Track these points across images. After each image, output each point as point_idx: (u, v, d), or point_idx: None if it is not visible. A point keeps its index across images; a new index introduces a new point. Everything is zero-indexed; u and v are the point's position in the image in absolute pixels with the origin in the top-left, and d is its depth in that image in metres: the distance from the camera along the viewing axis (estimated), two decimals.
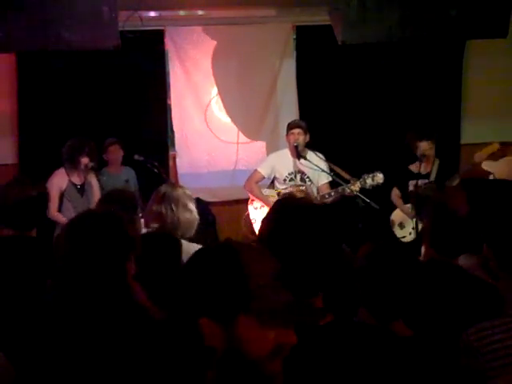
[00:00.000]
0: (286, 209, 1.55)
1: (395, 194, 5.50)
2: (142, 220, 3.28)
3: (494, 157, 5.37)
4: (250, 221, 5.32)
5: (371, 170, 4.95)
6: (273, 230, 1.50)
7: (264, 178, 5.31)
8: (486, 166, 5.24)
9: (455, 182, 5.11)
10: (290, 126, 5.27)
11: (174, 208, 3.01)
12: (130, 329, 1.65)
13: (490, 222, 2.14)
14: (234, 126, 6.50)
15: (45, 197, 2.96)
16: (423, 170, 5.36)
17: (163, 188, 3.16)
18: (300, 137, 5.14)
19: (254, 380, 1.12)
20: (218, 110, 6.49)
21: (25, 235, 2.81)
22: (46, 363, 1.64)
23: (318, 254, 1.46)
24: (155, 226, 3.03)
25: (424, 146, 5.28)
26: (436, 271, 2.24)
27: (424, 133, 5.38)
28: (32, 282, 2.50)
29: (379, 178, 4.85)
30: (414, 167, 5.42)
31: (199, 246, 3.09)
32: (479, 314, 2.09)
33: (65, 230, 1.90)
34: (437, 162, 5.39)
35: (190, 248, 3.00)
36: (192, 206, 3.12)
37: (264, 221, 1.56)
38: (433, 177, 5.35)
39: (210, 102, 6.42)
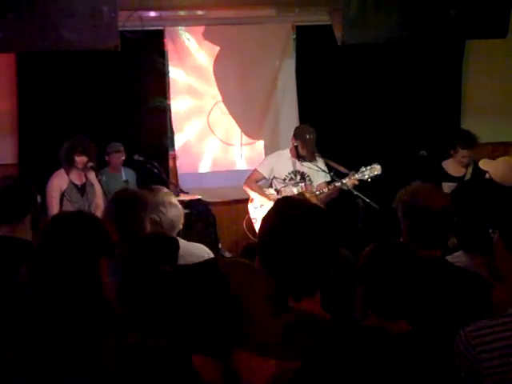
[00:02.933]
0: (287, 208, 1.55)
1: None
2: None
3: (495, 156, 5.37)
4: (250, 220, 5.32)
5: (369, 163, 4.94)
6: (273, 230, 1.51)
7: (263, 177, 5.30)
8: (483, 164, 5.23)
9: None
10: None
11: (164, 210, 3.00)
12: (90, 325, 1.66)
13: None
14: (234, 127, 6.51)
15: (22, 186, 2.94)
16: (458, 173, 5.31)
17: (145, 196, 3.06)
18: None
19: None
20: (218, 111, 6.49)
21: (9, 236, 2.79)
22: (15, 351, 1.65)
23: (318, 254, 1.46)
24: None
25: (465, 153, 5.22)
26: (429, 268, 2.25)
27: (470, 141, 5.29)
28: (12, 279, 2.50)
29: (377, 169, 4.84)
30: (448, 167, 5.36)
31: (199, 245, 3.13)
32: (469, 308, 2.12)
33: (43, 225, 1.93)
34: (472, 165, 5.36)
35: (189, 248, 3.01)
36: (175, 200, 3.12)
37: (264, 220, 1.57)
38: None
39: (214, 105, 6.42)
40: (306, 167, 5.17)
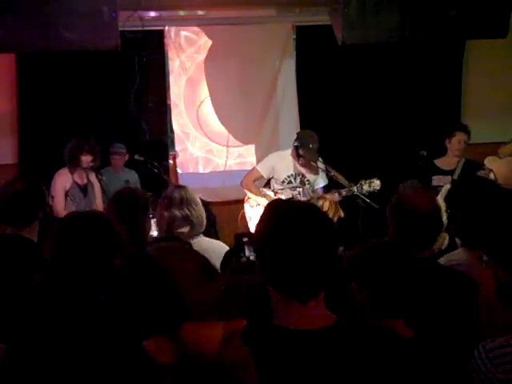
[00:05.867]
0: (279, 210, 1.55)
1: None
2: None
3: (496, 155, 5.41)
4: (245, 218, 5.32)
5: (371, 175, 4.94)
6: (267, 232, 1.50)
7: (262, 177, 5.29)
8: (487, 162, 5.24)
9: (485, 174, 5.10)
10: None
11: (195, 207, 3.18)
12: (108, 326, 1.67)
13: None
14: (234, 127, 6.50)
15: (35, 191, 2.91)
16: (448, 166, 5.35)
17: (175, 192, 3.23)
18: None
19: (217, 377, 1.14)
20: (218, 110, 6.49)
21: (17, 235, 2.79)
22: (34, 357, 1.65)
23: (315, 254, 1.45)
24: (183, 230, 3.07)
25: (458, 136, 5.32)
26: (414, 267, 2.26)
27: (462, 126, 5.47)
28: (21, 279, 2.48)
29: (376, 184, 4.86)
30: (439, 162, 5.42)
31: (220, 243, 3.20)
32: (455, 308, 2.13)
33: (53, 227, 1.92)
34: (463, 160, 5.41)
35: (211, 245, 3.16)
36: (199, 201, 3.30)
37: (258, 224, 1.56)
38: (457, 174, 5.32)
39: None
40: (305, 169, 5.17)
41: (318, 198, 5.02)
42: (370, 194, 4.82)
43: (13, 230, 2.81)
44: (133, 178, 5.76)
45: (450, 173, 5.34)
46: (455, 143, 5.37)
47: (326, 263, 1.47)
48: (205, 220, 3.22)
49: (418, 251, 2.33)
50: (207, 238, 3.22)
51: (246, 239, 5.51)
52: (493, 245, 2.02)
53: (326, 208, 4.86)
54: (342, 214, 4.78)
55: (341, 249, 3.02)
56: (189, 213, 3.12)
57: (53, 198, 4.82)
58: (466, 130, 5.41)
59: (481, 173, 5.11)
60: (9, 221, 2.82)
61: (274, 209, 1.56)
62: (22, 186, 2.88)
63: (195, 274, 1.19)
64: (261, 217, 1.56)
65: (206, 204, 6.08)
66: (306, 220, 1.48)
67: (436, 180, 5.29)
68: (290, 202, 1.69)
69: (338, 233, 1.53)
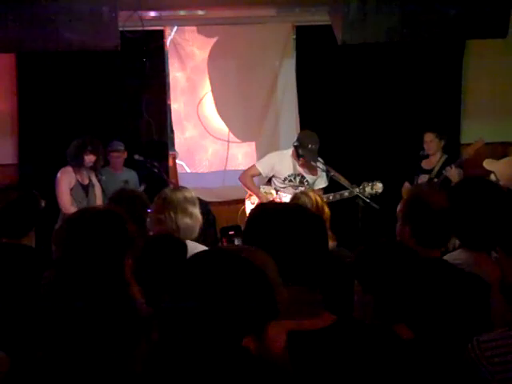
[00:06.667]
0: (265, 211, 1.56)
1: (405, 188, 5.64)
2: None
3: (495, 156, 5.42)
4: (245, 214, 5.32)
5: (371, 175, 4.95)
6: (253, 232, 1.51)
7: (260, 174, 5.29)
8: (488, 165, 5.26)
9: (450, 172, 5.33)
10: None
11: (173, 215, 3.04)
12: (121, 324, 1.65)
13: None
14: (234, 126, 6.51)
15: (29, 200, 2.89)
16: (428, 166, 5.59)
17: (164, 193, 3.17)
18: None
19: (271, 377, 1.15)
20: (218, 110, 6.49)
21: (16, 243, 2.76)
22: (40, 356, 1.65)
23: (301, 253, 1.46)
24: (151, 231, 3.04)
25: (425, 138, 5.61)
26: (427, 267, 2.25)
27: (429, 125, 5.73)
28: (25, 287, 2.47)
29: (378, 187, 4.87)
30: (423, 162, 5.69)
31: (203, 247, 3.14)
32: (467, 309, 2.13)
33: (64, 224, 1.91)
34: (443, 159, 5.53)
35: (197, 248, 3.03)
36: (193, 210, 3.13)
37: (246, 224, 1.58)
38: (434, 173, 5.52)
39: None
40: (305, 170, 5.18)
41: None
42: (372, 197, 4.83)
43: (11, 240, 2.79)
44: (132, 177, 5.76)
45: (430, 172, 5.52)
46: (426, 143, 5.65)
47: (315, 260, 1.47)
48: (185, 230, 3.06)
49: (430, 249, 2.33)
50: (192, 243, 3.05)
51: (231, 232, 5.51)
52: (502, 237, 2.03)
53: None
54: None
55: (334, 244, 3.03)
56: (163, 217, 3.02)
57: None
58: (432, 129, 5.62)
59: (446, 170, 5.28)
60: (5, 232, 2.79)
61: (259, 210, 1.58)
62: (15, 196, 2.84)
63: (277, 273, 1.22)
64: (247, 219, 1.58)
65: (205, 204, 6.14)
66: (293, 219, 1.49)
67: (416, 179, 5.50)
68: (276, 203, 1.71)
69: (322, 230, 1.54)
